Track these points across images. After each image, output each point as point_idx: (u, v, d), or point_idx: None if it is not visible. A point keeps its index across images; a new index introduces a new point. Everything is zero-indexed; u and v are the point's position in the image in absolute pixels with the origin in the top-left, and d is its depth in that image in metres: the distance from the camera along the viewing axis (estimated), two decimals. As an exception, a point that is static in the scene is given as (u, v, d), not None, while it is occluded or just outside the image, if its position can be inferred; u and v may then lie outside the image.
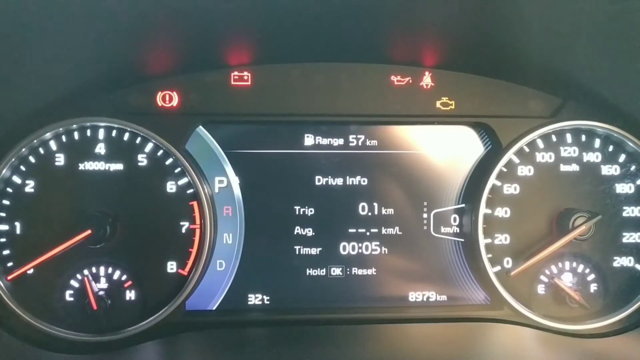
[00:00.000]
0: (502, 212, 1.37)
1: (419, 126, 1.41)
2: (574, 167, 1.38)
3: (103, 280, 1.31)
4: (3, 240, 1.29)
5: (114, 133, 1.33)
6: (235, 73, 1.35)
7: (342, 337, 1.28)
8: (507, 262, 1.38)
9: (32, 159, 1.31)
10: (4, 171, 1.28)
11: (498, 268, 1.37)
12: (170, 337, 1.28)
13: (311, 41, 1.27)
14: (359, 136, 1.40)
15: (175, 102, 1.34)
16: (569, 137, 1.39)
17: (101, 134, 1.32)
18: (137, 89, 1.33)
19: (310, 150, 1.39)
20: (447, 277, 1.41)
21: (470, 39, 1.25)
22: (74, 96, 1.30)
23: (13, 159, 1.28)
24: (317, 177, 1.39)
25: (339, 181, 1.39)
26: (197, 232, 1.32)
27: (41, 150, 1.31)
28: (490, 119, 1.38)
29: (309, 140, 1.39)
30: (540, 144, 1.38)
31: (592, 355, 1.20)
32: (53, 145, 1.31)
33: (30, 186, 1.30)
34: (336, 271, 1.39)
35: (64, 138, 1.31)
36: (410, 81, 1.38)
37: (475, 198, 1.36)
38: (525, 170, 1.38)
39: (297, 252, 1.38)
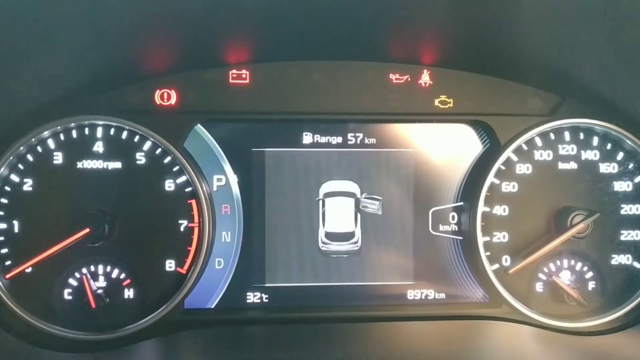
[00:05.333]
0: (500, 210, 1.38)
1: (417, 124, 1.41)
2: (572, 165, 1.39)
3: (101, 278, 1.31)
4: (1, 238, 1.29)
5: (112, 131, 1.32)
6: (234, 71, 1.35)
7: (340, 335, 1.28)
8: (506, 260, 1.38)
9: (30, 158, 1.30)
10: (1, 170, 1.27)
11: (496, 266, 1.37)
12: (169, 335, 1.27)
13: (310, 39, 1.27)
14: (357, 134, 1.40)
15: (173, 101, 1.34)
16: (567, 135, 1.39)
17: (99, 132, 1.32)
18: (135, 87, 1.33)
19: (308, 148, 1.39)
20: (446, 275, 1.41)
21: (469, 37, 1.25)
22: (72, 94, 1.30)
23: (11, 158, 1.28)
24: (315, 176, 1.39)
25: (338, 179, 1.39)
26: (196, 230, 1.32)
27: (39, 149, 1.31)
28: (489, 117, 1.38)
29: (307, 138, 1.39)
30: (538, 142, 1.38)
31: (590, 353, 1.20)
32: (51, 143, 1.31)
33: (28, 185, 1.30)
34: (334, 269, 1.39)
35: (62, 136, 1.31)
36: (409, 79, 1.38)
37: (474, 196, 1.36)
38: (523, 169, 1.38)
39: (295, 250, 1.38)
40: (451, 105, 1.38)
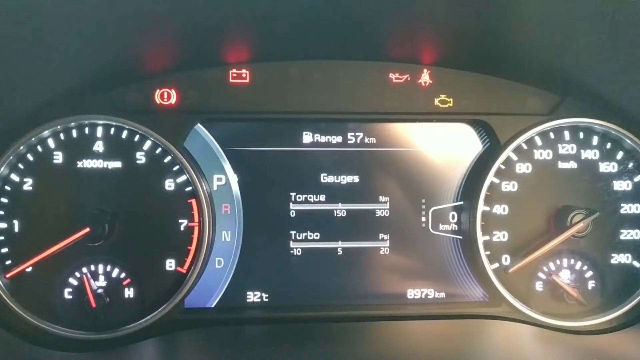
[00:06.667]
0: (500, 209, 1.38)
1: (417, 124, 1.41)
2: (572, 165, 1.39)
3: (102, 278, 1.31)
4: (1, 238, 1.29)
5: (112, 131, 1.33)
6: (234, 71, 1.35)
7: (340, 335, 1.28)
8: (505, 259, 1.38)
9: (30, 157, 1.30)
10: (2, 169, 1.27)
11: (496, 265, 1.37)
12: (169, 334, 1.28)
13: (309, 39, 1.27)
14: (357, 134, 1.40)
15: (173, 100, 1.34)
16: (566, 135, 1.39)
17: (99, 131, 1.32)
18: (135, 87, 1.33)
19: (308, 147, 1.39)
20: (446, 274, 1.41)
21: (469, 37, 1.25)
22: (72, 94, 1.30)
23: (11, 157, 1.28)
24: (315, 175, 1.39)
25: (337, 178, 1.39)
26: (196, 229, 1.32)
27: (39, 148, 1.31)
28: (489, 117, 1.38)
29: (307, 137, 1.39)
30: (538, 141, 1.39)
31: (590, 352, 1.20)
32: (51, 143, 1.31)
33: (28, 184, 1.30)
34: (334, 268, 1.39)
35: (62, 136, 1.31)
36: (409, 79, 1.38)
37: (474, 195, 1.36)
38: (523, 168, 1.38)
39: (295, 250, 1.39)
40: (451, 104, 1.38)
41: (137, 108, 1.32)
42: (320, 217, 1.39)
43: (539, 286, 1.39)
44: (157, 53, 1.30)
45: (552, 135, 1.39)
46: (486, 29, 1.21)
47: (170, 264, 1.33)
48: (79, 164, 1.31)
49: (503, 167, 1.37)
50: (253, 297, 1.38)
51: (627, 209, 1.39)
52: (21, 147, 1.28)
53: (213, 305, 1.38)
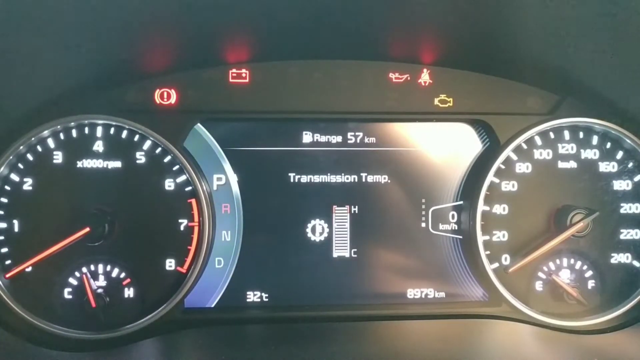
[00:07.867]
0: (500, 209, 1.38)
1: (417, 123, 1.41)
2: (572, 164, 1.39)
3: (101, 277, 1.31)
4: (1, 238, 1.29)
5: (112, 130, 1.33)
6: (234, 70, 1.35)
7: (340, 334, 1.28)
8: (505, 259, 1.38)
9: (30, 157, 1.30)
10: (2, 169, 1.27)
11: (496, 265, 1.37)
12: (169, 334, 1.28)
13: (309, 38, 1.27)
14: (357, 133, 1.40)
15: (173, 100, 1.34)
16: (566, 134, 1.39)
17: (99, 131, 1.32)
18: (135, 87, 1.33)
19: (308, 147, 1.39)
20: (446, 274, 1.41)
21: (469, 36, 1.25)
22: (72, 94, 1.30)
23: (11, 157, 1.28)
24: (315, 175, 1.39)
25: (337, 178, 1.39)
26: (196, 229, 1.32)
27: (39, 148, 1.31)
28: (488, 116, 1.38)
29: (307, 137, 1.39)
30: (538, 141, 1.39)
31: (590, 352, 1.20)
32: (51, 142, 1.31)
33: (28, 184, 1.30)
34: (334, 268, 1.39)
35: (62, 136, 1.31)
36: (409, 78, 1.38)
37: (474, 195, 1.36)
38: (523, 167, 1.38)
39: (295, 249, 1.39)
40: (451, 104, 1.38)
41: (137, 108, 1.32)
42: (320, 216, 1.39)
43: (538, 286, 1.39)
44: (157, 53, 1.30)
45: (552, 135, 1.39)
46: (486, 29, 1.21)
47: (170, 264, 1.33)
48: (79, 164, 1.31)
49: (503, 166, 1.37)
50: (253, 296, 1.38)
51: (627, 208, 1.39)
52: (21, 147, 1.28)
53: (213, 305, 1.38)
